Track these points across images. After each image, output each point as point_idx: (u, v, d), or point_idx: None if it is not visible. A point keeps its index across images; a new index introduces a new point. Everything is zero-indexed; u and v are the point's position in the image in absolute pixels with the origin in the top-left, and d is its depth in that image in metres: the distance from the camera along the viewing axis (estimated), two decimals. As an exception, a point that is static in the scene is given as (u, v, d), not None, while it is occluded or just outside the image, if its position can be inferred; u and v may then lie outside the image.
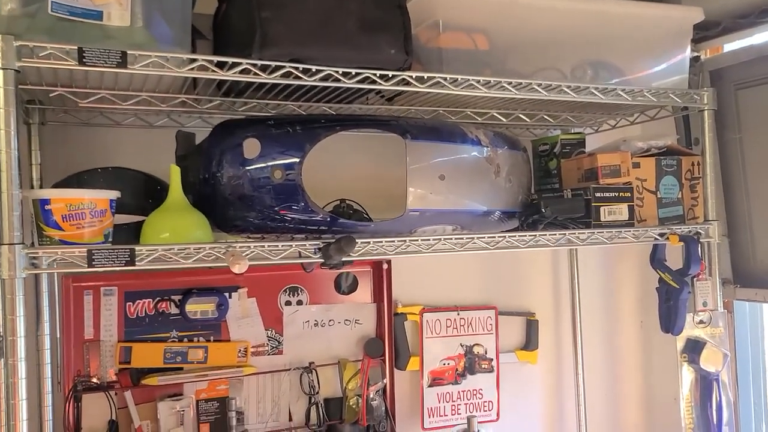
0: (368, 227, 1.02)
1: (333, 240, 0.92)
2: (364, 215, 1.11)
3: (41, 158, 1.16)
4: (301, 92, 1.08)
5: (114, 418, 1.26)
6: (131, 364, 1.28)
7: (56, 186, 1.06)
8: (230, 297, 1.37)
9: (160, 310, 1.33)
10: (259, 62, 0.91)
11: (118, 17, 0.87)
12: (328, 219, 1.00)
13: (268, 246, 0.93)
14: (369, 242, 0.99)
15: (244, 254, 0.90)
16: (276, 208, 0.97)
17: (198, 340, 1.35)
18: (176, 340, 1.34)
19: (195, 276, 1.33)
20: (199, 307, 1.34)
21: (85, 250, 0.83)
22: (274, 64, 0.92)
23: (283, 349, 1.43)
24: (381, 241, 1.00)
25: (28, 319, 0.80)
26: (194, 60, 0.89)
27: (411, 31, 0.99)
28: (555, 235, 1.15)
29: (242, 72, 0.91)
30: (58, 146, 1.20)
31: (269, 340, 1.42)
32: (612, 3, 1.26)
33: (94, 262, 0.83)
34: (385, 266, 1.48)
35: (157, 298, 1.32)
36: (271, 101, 1.15)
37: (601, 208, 1.23)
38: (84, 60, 0.82)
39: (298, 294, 1.45)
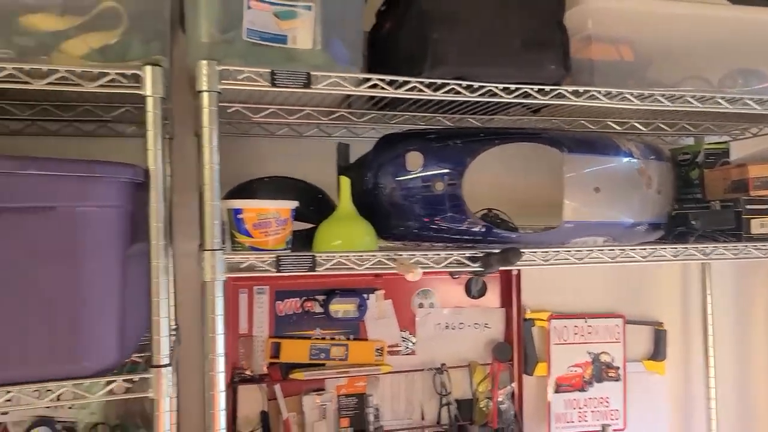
0: (521, 238, 1.04)
1: (498, 250, 0.95)
2: (510, 224, 1.14)
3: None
4: (451, 105, 1.12)
5: (265, 408, 1.36)
6: (280, 359, 1.37)
7: (229, 194, 1.15)
8: (368, 298, 1.44)
9: (306, 309, 1.41)
10: (427, 80, 0.95)
11: (302, 40, 0.94)
12: (483, 229, 1.03)
13: (431, 255, 0.98)
14: (524, 252, 1.02)
15: (410, 261, 0.95)
16: (435, 218, 1.02)
17: (339, 339, 1.43)
18: (319, 337, 1.42)
19: (337, 278, 1.41)
20: (341, 307, 1.41)
21: (274, 256, 0.90)
22: (440, 81, 0.96)
23: (416, 350, 1.48)
24: (536, 252, 1.03)
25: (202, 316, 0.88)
26: (368, 79, 0.94)
27: (569, 47, 1.01)
28: (707, 247, 1.13)
29: (410, 89, 0.96)
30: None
31: (403, 341, 1.48)
32: (759, 11, 1.23)
33: (281, 267, 0.90)
34: (514, 272, 1.50)
35: (303, 298, 1.41)
36: (419, 113, 1.20)
37: (752, 221, 1.20)
38: (275, 82, 0.89)
39: (430, 297, 1.50)
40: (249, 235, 0.92)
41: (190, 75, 0.94)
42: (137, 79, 0.87)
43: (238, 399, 1.34)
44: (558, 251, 1.04)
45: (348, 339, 1.43)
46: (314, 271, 0.92)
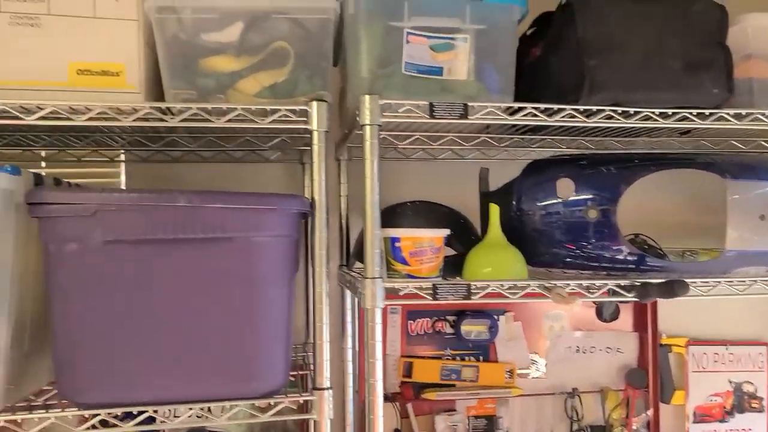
0: (678, 267, 1.01)
1: (659, 281, 0.93)
2: (659, 251, 1.10)
3: (348, 190, 1.31)
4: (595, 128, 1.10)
5: (398, 427, 1.38)
6: (412, 378, 1.39)
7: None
8: (498, 319, 1.43)
9: (437, 329, 1.42)
10: (582, 107, 0.94)
11: (457, 71, 0.95)
12: (635, 257, 1.01)
13: (586, 283, 0.96)
14: (690, 286, 0.98)
15: (565, 290, 0.94)
16: (585, 245, 1.00)
17: (469, 360, 1.43)
18: (450, 358, 1.43)
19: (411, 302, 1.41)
20: (472, 328, 1.41)
21: (431, 284, 0.92)
22: (595, 108, 0.95)
23: (546, 373, 1.46)
24: (695, 282, 0.99)
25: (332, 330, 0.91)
26: (523, 108, 0.95)
27: (732, 69, 0.97)
28: None
29: (565, 117, 0.95)
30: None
31: (533, 363, 1.46)
32: None
33: (438, 296, 0.92)
34: (650, 296, 1.45)
35: (435, 318, 1.42)
36: (558, 136, 1.19)
37: None
38: (434, 113, 0.91)
39: (560, 319, 1.47)
40: (405, 263, 0.95)
41: (346, 107, 0.97)
42: (305, 114, 0.91)
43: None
44: (719, 281, 0.99)
45: (478, 360, 1.43)
46: (469, 299, 0.93)
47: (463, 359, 1.43)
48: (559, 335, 1.47)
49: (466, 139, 1.18)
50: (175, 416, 0.90)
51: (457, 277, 1.02)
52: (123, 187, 1.35)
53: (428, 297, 0.92)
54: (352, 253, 1.27)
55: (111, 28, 0.90)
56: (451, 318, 1.42)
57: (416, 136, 1.14)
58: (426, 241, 0.95)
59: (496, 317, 1.43)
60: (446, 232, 0.98)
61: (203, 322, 0.87)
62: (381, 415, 0.91)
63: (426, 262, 0.95)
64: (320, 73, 0.94)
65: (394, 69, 0.94)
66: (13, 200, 0.84)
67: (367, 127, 0.91)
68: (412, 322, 1.42)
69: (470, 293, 0.92)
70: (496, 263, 0.98)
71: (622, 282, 0.97)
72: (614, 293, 0.98)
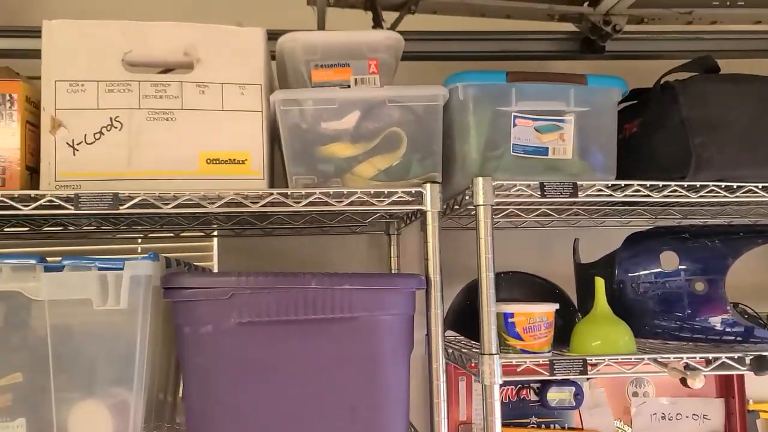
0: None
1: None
2: (761, 320, 1.11)
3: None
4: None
5: (489, 498, 1.36)
6: (499, 447, 1.39)
7: (465, 290, 1.21)
8: (582, 386, 1.43)
9: (522, 397, 1.42)
10: (687, 183, 0.97)
11: (561, 151, 0.99)
12: (743, 329, 1.01)
13: (699, 357, 0.97)
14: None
15: (678, 365, 0.94)
16: (692, 318, 1.01)
17: (554, 428, 1.42)
18: (535, 426, 1.42)
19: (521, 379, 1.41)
20: (558, 396, 1.41)
21: (547, 359, 0.94)
22: (699, 184, 0.98)
23: (632, 441, 1.44)
24: (808, 353, 0.99)
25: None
26: (630, 185, 0.98)
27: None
28: None
29: (671, 193, 0.98)
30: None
31: (618, 431, 1.44)
32: None
33: (555, 371, 0.93)
34: (736, 361, 1.44)
35: (519, 386, 1.42)
36: (649, 206, 1.21)
37: None
38: (545, 192, 0.95)
39: (644, 386, 1.46)
40: (520, 338, 0.97)
41: (457, 190, 1.02)
42: (419, 195, 0.95)
43: (461, 488, 1.36)
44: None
45: (563, 428, 1.42)
46: (585, 374, 0.94)
47: (548, 427, 1.42)
48: (643, 402, 1.45)
49: (557, 211, 1.21)
50: (302, 496, 0.91)
51: (564, 351, 1.04)
52: (215, 259, 1.40)
53: (545, 372, 0.94)
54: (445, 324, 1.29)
55: (237, 120, 0.96)
56: (535, 385, 1.42)
57: (510, 209, 1.17)
58: (538, 316, 0.97)
59: (580, 384, 1.42)
60: (556, 306, 1.00)
61: (329, 399, 0.89)
62: (501, 492, 0.91)
63: (539, 337, 0.97)
64: (431, 155, 0.98)
65: (503, 151, 0.98)
66: (151, 284, 0.88)
67: (481, 208, 0.94)
68: (497, 390, 1.42)
69: (586, 368, 0.94)
70: (604, 336, 0.99)
71: (735, 355, 0.98)
72: (729, 367, 0.98)
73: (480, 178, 0.94)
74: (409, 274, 0.93)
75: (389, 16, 1.21)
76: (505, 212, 1.19)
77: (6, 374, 0.84)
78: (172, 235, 1.31)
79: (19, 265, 0.82)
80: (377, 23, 1.17)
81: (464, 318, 1.20)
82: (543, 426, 1.42)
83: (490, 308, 0.93)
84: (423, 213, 0.96)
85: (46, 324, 0.83)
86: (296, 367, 0.89)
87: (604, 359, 0.95)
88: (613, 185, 0.98)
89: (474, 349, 1.09)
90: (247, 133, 0.96)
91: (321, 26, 1.17)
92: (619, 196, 0.98)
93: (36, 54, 1.18)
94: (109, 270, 0.84)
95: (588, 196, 0.97)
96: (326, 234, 1.38)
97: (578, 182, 0.96)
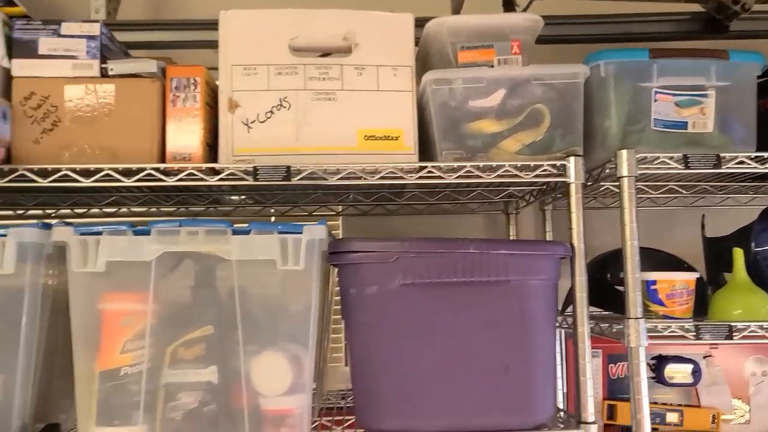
0: None
1: None
2: None
3: (553, 238, 1.38)
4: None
5: (610, 470, 1.40)
6: (615, 421, 1.42)
7: (594, 263, 1.25)
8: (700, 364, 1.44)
9: (638, 373, 1.45)
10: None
11: (701, 125, 1.02)
12: None
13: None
14: None
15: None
16: (833, 288, 1.03)
17: (670, 404, 1.44)
18: (652, 402, 1.44)
19: (667, 345, 1.43)
20: (676, 373, 1.43)
21: (692, 324, 0.97)
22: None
23: (750, 420, 1.45)
24: None
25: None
26: (770, 157, 1.00)
27: None
28: None
29: (814, 165, 1.00)
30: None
31: (736, 410, 1.45)
32: None
33: (700, 335, 0.97)
34: None
35: (635, 362, 1.45)
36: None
37: None
38: (688, 165, 0.98)
39: (762, 364, 1.46)
40: (662, 305, 1.01)
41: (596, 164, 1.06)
42: (563, 168, 1.01)
43: (579, 459, 1.40)
44: None
45: (679, 405, 1.44)
46: (731, 339, 0.97)
47: (664, 404, 1.44)
48: (761, 381, 1.46)
49: (685, 188, 1.24)
50: (460, 446, 0.98)
51: (704, 319, 1.07)
52: (341, 237, 1.49)
53: (690, 337, 0.97)
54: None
55: (391, 99, 1.03)
56: (651, 362, 1.45)
57: (639, 186, 1.21)
58: (680, 283, 1.01)
59: (697, 362, 1.44)
60: (697, 274, 1.03)
61: (483, 358, 0.95)
62: (646, 451, 0.96)
63: (681, 303, 1.01)
64: (572, 131, 1.03)
65: (643, 125, 1.02)
66: (321, 248, 0.96)
67: (625, 179, 0.99)
68: (612, 365, 1.45)
69: (731, 333, 0.97)
70: (745, 304, 1.02)
71: None
72: None
73: (624, 151, 0.99)
74: (557, 241, 0.99)
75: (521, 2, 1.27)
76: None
77: (199, 327, 0.94)
78: (305, 214, 1.40)
79: (213, 230, 0.92)
80: (509, 7, 1.23)
81: (590, 292, 1.24)
82: (658, 402, 1.44)
83: (635, 275, 0.98)
84: (566, 185, 1.01)
85: (233, 282, 0.93)
86: (454, 326, 0.95)
87: (748, 325, 0.98)
88: (756, 157, 1.00)
89: (606, 320, 1.14)
90: (400, 112, 1.03)
91: (456, 12, 1.24)
92: (763, 168, 1.00)
93: (181, 45, 1.30)
94: (289, 234, 0.92)
95: (732, 167, 1.00)
96: (446, 213, 1.44)
97: (721, 154, 0.99)
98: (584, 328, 0.99)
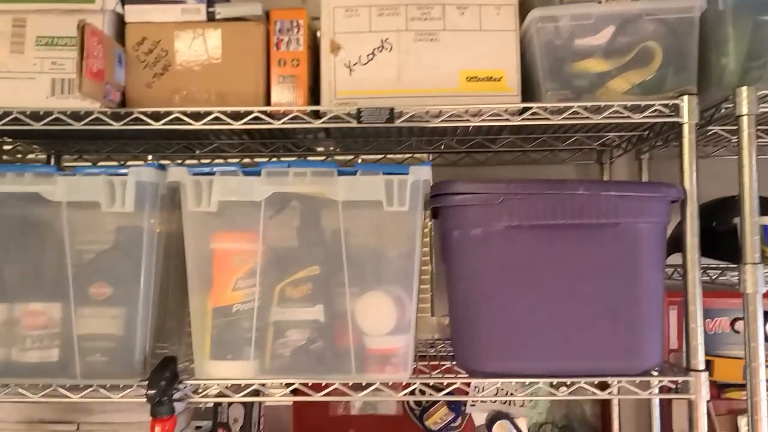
0: None
1: None
2: None
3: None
4: None
5: (702, 424, 1.37)
6: (713, 377, 1.38)
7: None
8: (803, 320, 1.38)
9: (735, 329, 1.40)
10: None
11: (829, 60, 0.95)
12: None
13: None
14: None
15: None
16: None
17: (771, 361, 1.39)
18: (750, 358, 1.39)
19: None
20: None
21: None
22: None
23: None
24: None
25: None
26: None
27: None
28: None
29: None
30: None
31: (842, 368, 1.39)
32: None
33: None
34: None
35: (733, 317, 1.40)
36: None
37: None
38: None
39: None
40: (780, 251, 0.96)
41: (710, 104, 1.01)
42: (676, 108, 0.96)
43: (672, 412, 1.37)
44: None
45: (780, 362, 1.39)
46: None
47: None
48: None
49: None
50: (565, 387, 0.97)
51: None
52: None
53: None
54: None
55: (494, 39, 1.01)
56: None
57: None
58: (799, 229, 0.96)
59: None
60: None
61: (589, 301, 0.94)
62: (764, 397, 0.93)
63: (803, 250, 0.96)
64: (685, 68, 0.98)
65: (765, 61, 0.96)
66: (424, 191, 0.96)
67: (745, 118, 0.94)
68: (709, 320, 1.41)
69: None
70: None
71: None
72: None
73: (744, 88, 0.93)
74: (669, 183, 0.95)
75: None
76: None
77: (306, 267, 0.96)
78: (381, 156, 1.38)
79: (320, 171, 0.93)
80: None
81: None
82: (758, 358, 1.39)
83: (753, 218, 0.93)
84: (679, 125, 0.97)
85: (339, 223, 0.94)
86: (560, 269, 0.94)
87: None
88: None
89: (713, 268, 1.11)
90: (503, 52, 1.01)
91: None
92: None
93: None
94: (395, 175, 0.92)
95: None
96: (535, 164, 1.41)
97: None
98: (695, 274, 0.96)
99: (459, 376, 0.99)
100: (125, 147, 1.24)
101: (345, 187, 0.93)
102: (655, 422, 1.33)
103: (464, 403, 1.41)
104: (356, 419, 1.43)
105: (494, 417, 1.41)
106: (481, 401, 1.41)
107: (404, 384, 0.96)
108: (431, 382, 0.96)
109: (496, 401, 1.41)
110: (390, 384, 0.96)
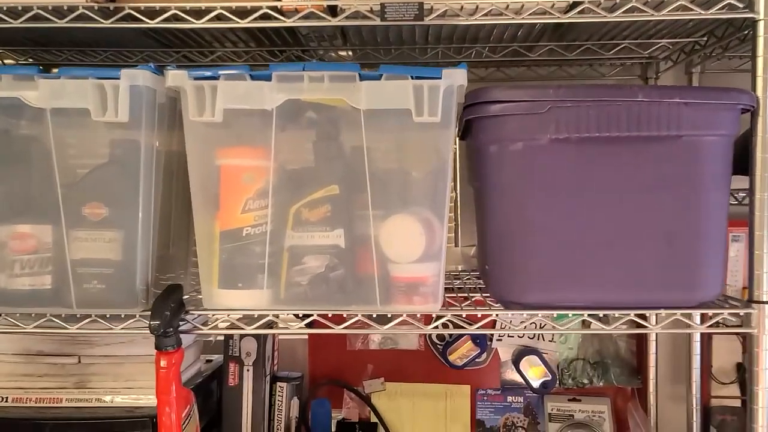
0: None
1: None
2: None
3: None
4: None
5: (741, 360, 1.29)
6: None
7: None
8: None
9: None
10: None
11: None
12: None
13: None
14: None
15: None
16: None
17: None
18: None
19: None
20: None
21: None
22: None
23: None
24: None
25: None
26: None
27: None
28: None
29: None
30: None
31: None
32: None
33: None
34: None
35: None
36: None
37: None
38: None
39: None
40: None
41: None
42: (750, 3, 0.83)
43: (712, 348, 1.29)
44: None
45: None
46: None
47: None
48: None
49: None
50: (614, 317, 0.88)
51: None
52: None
53: None
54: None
55: None
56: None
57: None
58: None
59: None
60: None
61: (643, 225, 0.83)
62: None
63: None
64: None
65: None
66: (458, 99, 0.84)
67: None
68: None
69: None
70: None
71: None
72: None
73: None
74: (740, 89, 0.82)
75: None
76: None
77: (324, 186, 0.85)
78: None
79: (339, 75, 0.80)
80: None
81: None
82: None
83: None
84: (752, 23, 0.84)
85: (361, 136, 0.82)
86: (611, 189, 0.83)
87: None
88: None
89: None
90: (550, -63, 0.86)
91: None
92: None
93: None
94: (425, 79, 0.80)
95: None
96: (572, 78, 1.28)
97: None
98: (764, 194, 0.84)
99: (493, 308, 0.89)
100: (116, 58, 1.12)
101: (368, 94, 0.81)
102: (695, 358, 1.25)
103: (490, 338, 1.33)
104: (375, 354, 1.36)
105: (521, 352, 1.33)
106: (508, 336, 1.33)
107: (434, 316, 0.86)
108: (463, 314, 0.87)
109: (523, 335, 1.34)
110: (417, 316, 0.87)
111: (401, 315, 0.86)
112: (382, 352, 1.36)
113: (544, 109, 0.81)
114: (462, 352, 1.33)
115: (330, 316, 0.86)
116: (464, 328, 0.86)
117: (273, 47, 1.08)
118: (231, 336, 1.17)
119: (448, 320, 0.86)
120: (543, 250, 0.84)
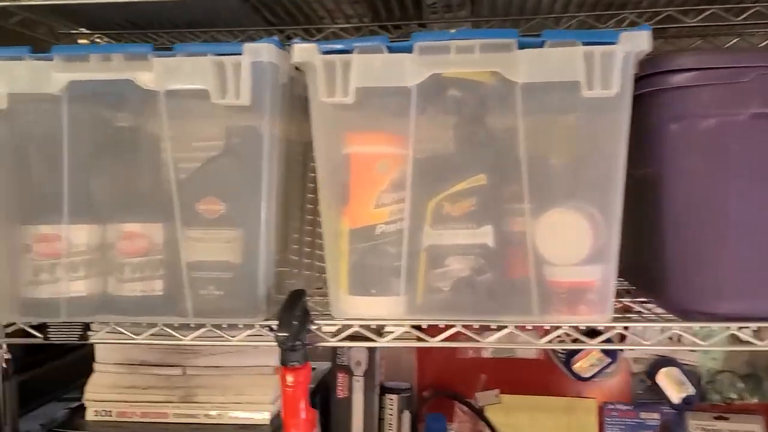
0: None
1: None
2: None
3: None
4: None
5: None
6: None
7: None
8: None
9: None
10: None
11: None
12: None
13: None
14: None
15: None
16: None
17: None
18: None
19: None
20: None
21: None
22: None
23: None
24: None
25: None
26: None
27: None
28: None
29: None
30: None
31: None
32: None
33: None
34: None
35: None
36: None
37: None
38: None
39: None
40: None
41: None
42: None
43: None
44: None
45: None
46: None
47: None
48: None
49: None
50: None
51: None
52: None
53: None
54: None
55: None
56: None
57: None
58: None
59: None
60: None
61: None
62: None
63: None
64: None
65: None
66: (632, 69, 0.70)
67: None
68: None
69: None
70: None
71: None
72: None
73: None
74: None
75: None
76: None
77: (469, 176, 0.73)
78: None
79: (493, 44, 0.68)
80: None
81: None
82: None
83: None
84: None
85: (516, 116, 0.69)
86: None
87: None
88: None
89: None
90: None
91: None
92: None
93: None
94: (597, 45, 0.67)
95: None
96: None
97: None
98: None
99: (670, 320, 0.75)
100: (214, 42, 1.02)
101: (528, 65, 0.68)
102: None
103: (621, 348, 1.19)
104: (489, 363, 1.24)
105: (657, 363, 1.18)
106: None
107: (602, 328, 0.73)
108: (638, 326, 0.73)
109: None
110: (583, 328, 0.74)
111: (562, 326, 0.73)
112: (496, 361, 1.23)
113: (746, 78, 0.66)
114: (589, 362, 1.19)
115: (477, 326, 0.74)
116: (640, 344, 0.72)
117: (389, 21, 0.96)
118: (340, 344, 1.06)
119: (619, 333, 0.73)
120: (740, 250, 0.69)
